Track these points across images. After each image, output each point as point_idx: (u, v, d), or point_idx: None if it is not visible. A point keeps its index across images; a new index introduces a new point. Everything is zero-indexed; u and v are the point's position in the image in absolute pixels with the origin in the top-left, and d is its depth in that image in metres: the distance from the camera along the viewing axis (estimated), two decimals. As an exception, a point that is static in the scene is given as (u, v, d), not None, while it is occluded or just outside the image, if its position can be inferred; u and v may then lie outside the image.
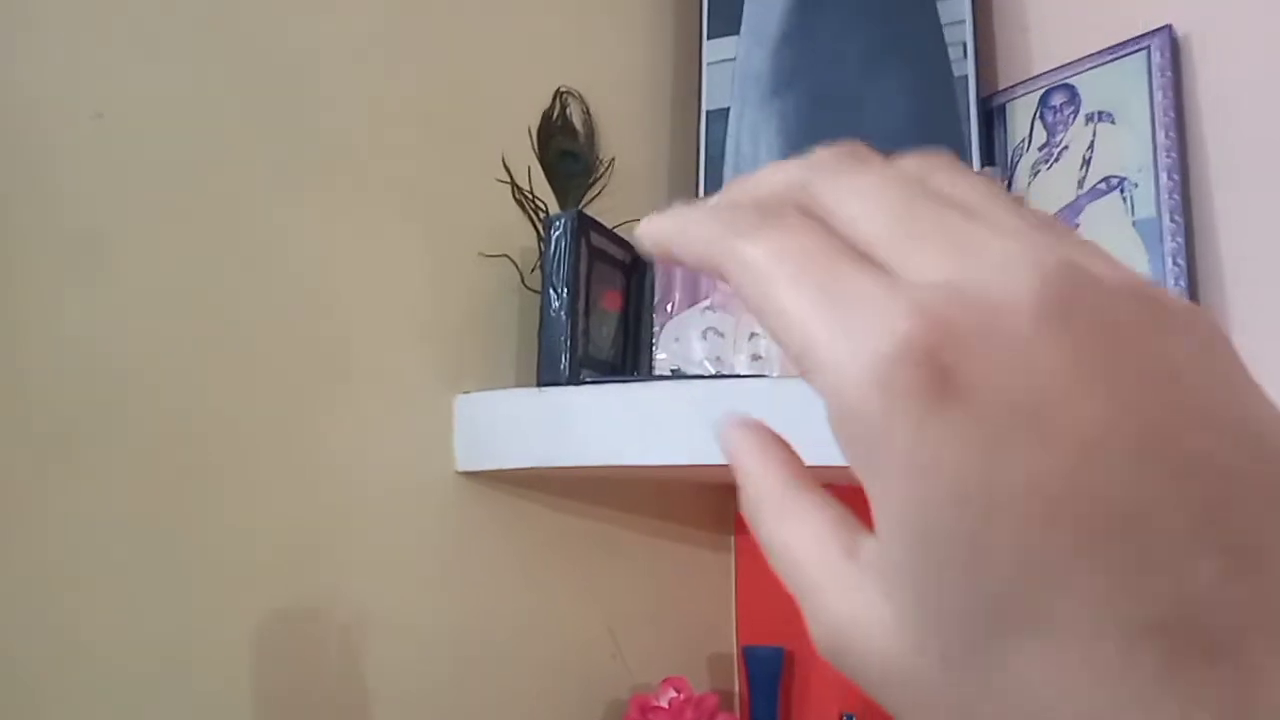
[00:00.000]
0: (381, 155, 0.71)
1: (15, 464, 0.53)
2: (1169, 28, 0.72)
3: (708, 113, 0.87)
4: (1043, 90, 0.79)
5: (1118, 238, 0.70)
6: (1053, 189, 0.76)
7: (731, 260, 0.18)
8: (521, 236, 0.78)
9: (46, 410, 0.54)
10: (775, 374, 0.72)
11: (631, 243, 0.80)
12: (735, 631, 0.89)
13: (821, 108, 0.84)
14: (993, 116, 0.82)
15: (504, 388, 0.75)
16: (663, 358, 0.75)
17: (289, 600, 0.63)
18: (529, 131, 0.81)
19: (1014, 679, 0.15)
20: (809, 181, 0.19)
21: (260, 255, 0.64)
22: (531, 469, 0.70)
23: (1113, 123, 0.74)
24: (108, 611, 0.55)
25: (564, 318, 0.72)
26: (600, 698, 0.79)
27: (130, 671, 0.55)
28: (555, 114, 0.82)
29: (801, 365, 0.17)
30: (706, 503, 0.91)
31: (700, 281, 0.76)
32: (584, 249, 0.73)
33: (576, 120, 0.84)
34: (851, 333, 0.16)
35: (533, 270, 0.77)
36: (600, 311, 0.76)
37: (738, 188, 0.21)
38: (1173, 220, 0.69)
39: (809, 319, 0.16)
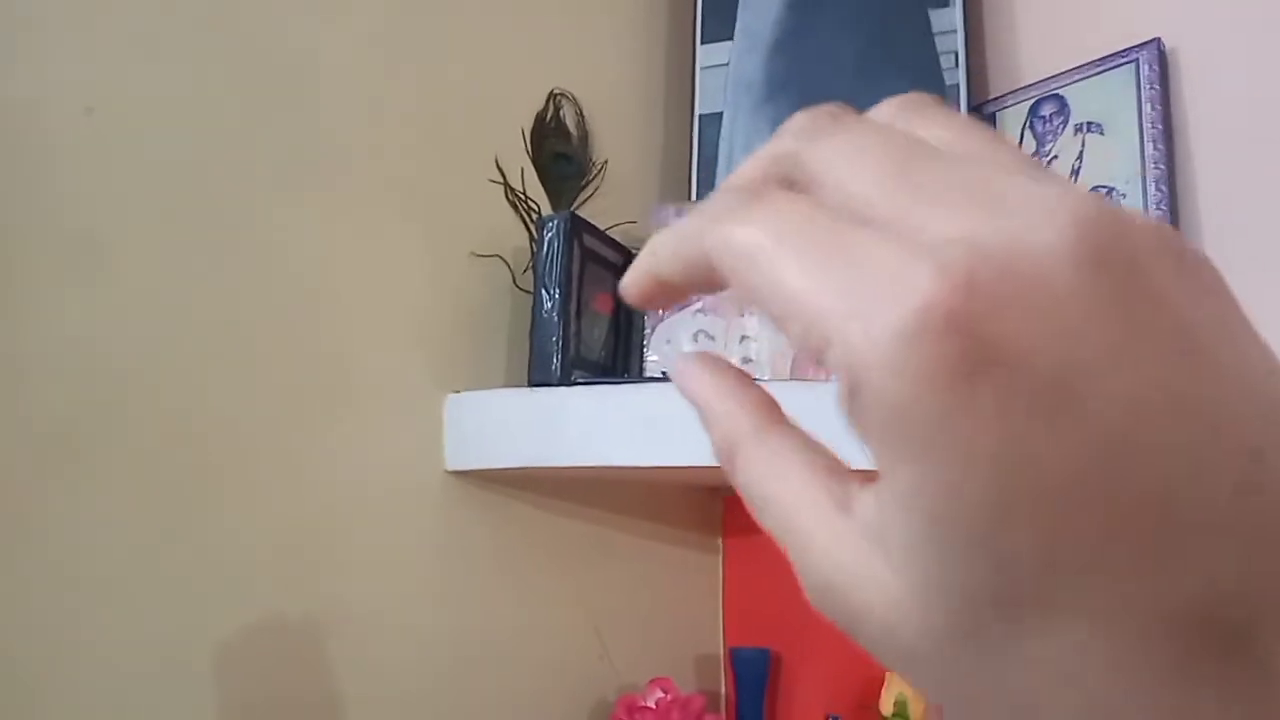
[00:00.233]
0: (376, 155, 0.72)
1: (15, 464, 0.53)
2: (1158, 40, 0.73)
3: (701, 117, 0.88)
4: (1032, 100, 0.80)
5: (1105, 247, 0.71)
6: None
7: (721, 247, 0.16)
8: (514, 237, 0.79)
9: (45, 410, 0.54)
10: (766, 376, 0.72)
11: (624, 244, 0.80)
12: (722, 633, 0.90)
13: (814, 113, 0.84)
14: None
15: (494, 388, 0.75)
16: (654, 360, 0.75)
17: (279, 597, 0.63)
18: (522, 133, 0.81)
19: (1022, 660, 0.14)
20: (787, 153, 0.17)
21: (253, 254, 0.64)
22: (521, 469, 0.70)
23: (1101, 133, 0.74)
24: (106, 611, 0.55)
25: (556, 319, 0.72)
26: (587, 698, 0.79)
27: (127, 670, 0.55)
28: (549, 116, 0.83)
29: (810, 344, 0.15)
30: (695, 504, 0.91)
31: (692, 284, 0.76)
32: (576, 250, 0.73)
33: (570, 122, 0.84)
34: (867, 302, 0.14)
35: (525, 271, 0.78)
36: (592, 313, 0.76)
37: (711, 194, 0.20)
38: (1159, 230, 0.69)
39: (816, 292, 0.15)
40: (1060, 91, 0.78)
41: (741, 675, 0.82)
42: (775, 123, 0.86)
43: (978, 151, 0.16)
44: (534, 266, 0.75)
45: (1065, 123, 0.77)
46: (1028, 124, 0.80)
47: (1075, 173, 0.75)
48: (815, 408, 0.67)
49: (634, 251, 0.81)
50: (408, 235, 0.73)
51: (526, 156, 0.81)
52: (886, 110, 0.18)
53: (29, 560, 0.53)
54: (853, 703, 0.82)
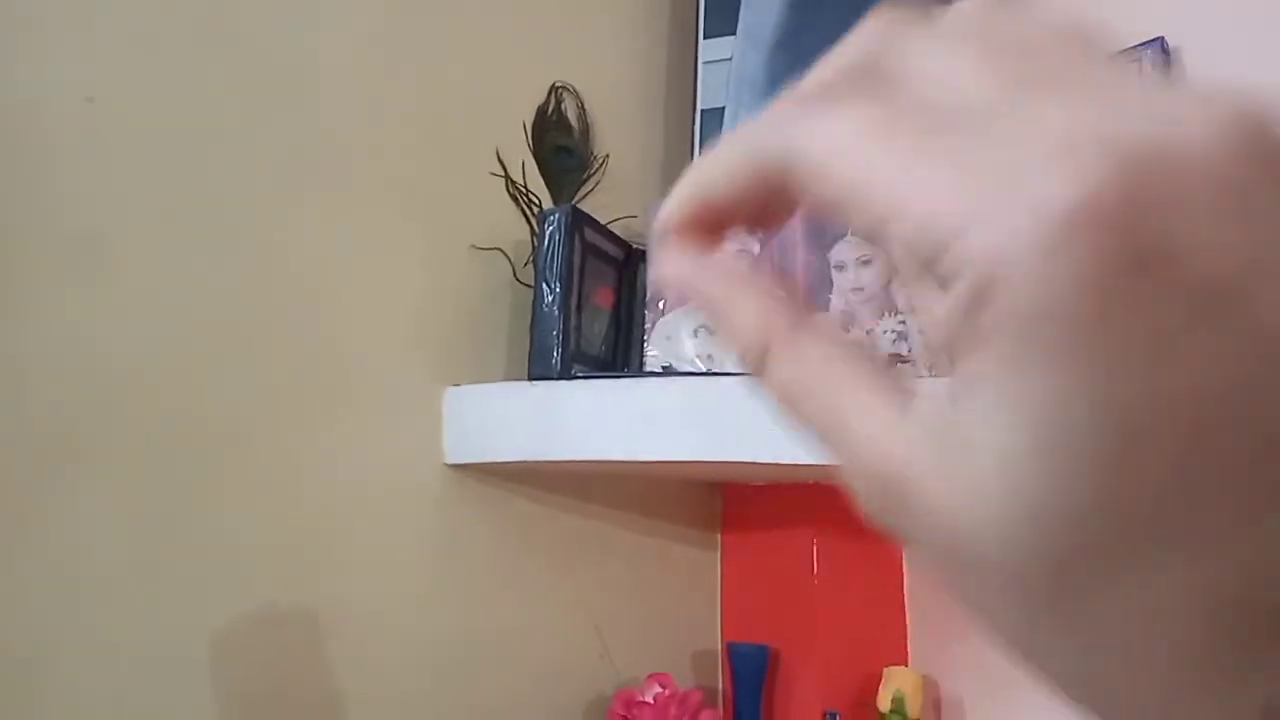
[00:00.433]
0: (376, 149, 0.71)
1: (13, 464, 0.53)
2: (1161, 39, 0.73)
3: (703, 111, 0.88)
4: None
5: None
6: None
7: (800, 148, 0.14)
8: (515, 230, 0.79)
9: (44, 409, 0.54)
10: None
11: (625, 238, 0.80)
12: (720, 628, 0.90)
13: (816, 109, 0.84)
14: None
15: (494, 382, 0.75)
16: (654, 354, 0.75)
17: (278, 591, 0.63)
18: (524, 126, 0.81)
19: (1107, 594, 0.13)
20: (866, 54, 0.15)
21: (252, 248, 0.64)
22: (521, 463, 0.70)
23: (1104, 131, 0.74)
24: (105, 609, 0.55)
25: (556, 313, 0.72)
26: (585, 693, 0.79)
27: (126, 669, 0.55)
28: (550, 109, 0.83)
29: (920, 249, 0.13)
30: (693, 500, 0.91)
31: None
32: (578, 244, 0.73)
33: (571, 116, 0.84)
34: (1002, 199, 0.13)
35: (525, 264, 0.78)
36: (593, 307, 0.76)
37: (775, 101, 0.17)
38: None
39: (928, 192, 0.13)
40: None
41: (739, 671, 0.82)
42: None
43: (1080, 50, 0.15)
44: (535, 260, 0.74)
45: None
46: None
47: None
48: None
49: (635, 246, 0.81)
50: (408, 228, 0.73)
51: (527, 150, 0.81)
52: (971, 6, 0.16)
53: (28, 559, 0.53)
54: (850, 699, 0.83)
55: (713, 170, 0.17)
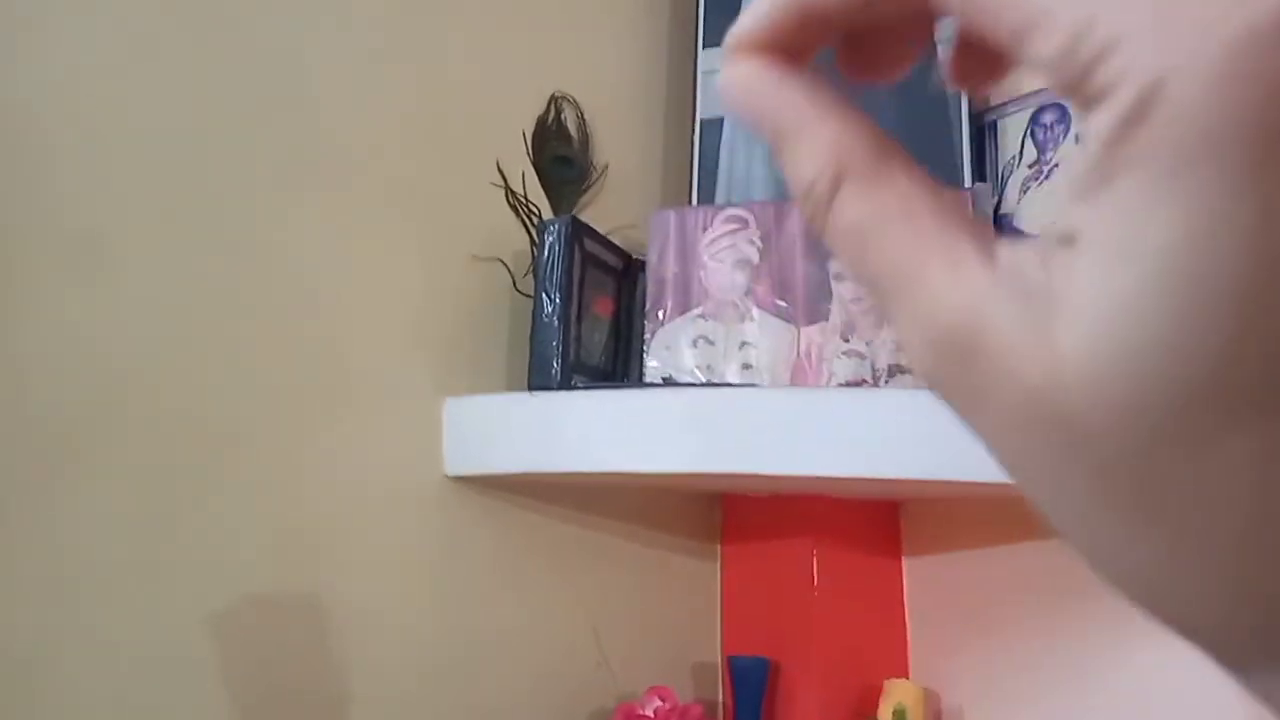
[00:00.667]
0: (377, 158, 0.71)
1: (12, 465, 0.53)
2: (1160, 49, 0.73)
3: (702, 121, 0.88)
4: (1034, 108, 0.79)
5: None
6: (1042, 206, 0.77)
7: None
8: (515, 241, 0.79)
9: (42, 412, 0.54)
10: (765, 383, 0.72)
11: (625, 248, 0.80)
12: (720, 641, 0.89)
13: (815, 120, 0.84)
14: (984, 133, 0.83)
15: (494, 392, 0.75)
16: (654, 365, 0.75)
17: (278, 601, 0.62)
18: (524, 136, 0.81)
19: (1208, 458, 0.12)
20: None
21: (253, 258, 0.64)
22: (520, 474, 0.70)
23: (1103, 141, 0.74)
24: (103, 611, 0.55)
25: (556, 323, 0.72)
26: (585, 705, 0.79)
27: (124, 672, 0.55)
28: (550, 119, 0.83)
29: (1075, 59, 0.12)
30: (693, 511, 0.91)
31: (691, 289, 0.76)
32: (577, 254, 0.73)
33: (571, 126, 0.84)
34: (1171, 7, 0.12)
35: (525, 275, 0.77)
36: (592, 317, 0.76)
37: None
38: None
39: None
40: (1062, 100, 0.78)
41: (739, 684, 0.82)
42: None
43: None
44: (534, 270, 0.74)
45: (1067, 130, 0.77)
46: (1028, 132, 0.80)
47: (1077, 181, 0.75)
48: (814, 415, 0.67)
49: (635, 256, 0.81)
50: (408, 238, 0.73)
51: (527, 160, 0.81)
52: None
53: (27, 561, 0.53)
54: (851, 712, 0.82)
55: None
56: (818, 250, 0.74)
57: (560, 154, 0.83)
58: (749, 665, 0.82)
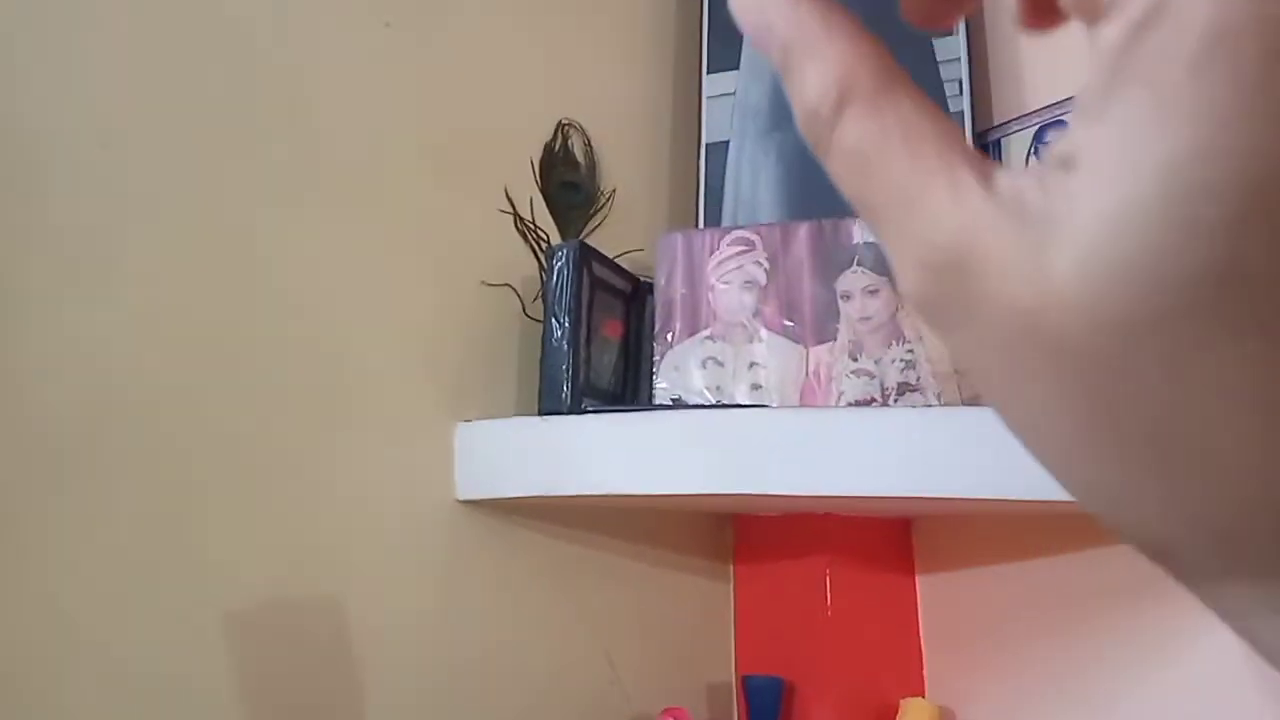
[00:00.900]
0: (387, 185, 0.73)
1: (12, 481, 0.53)
2: None
3: (707, 145, 0.89)
4: (1037, 127, 0.80)
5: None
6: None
7: None
8: (523, 266, 0.79)
9: (46, 428, 0.54)
10: (775, 403, 0.72)
11: (632, 271, 0.81)
12: (734, 661, 0.89)
13: (820, 141, 0.85)
14: (988, 151, 0.83)
15: (505, 416, 0.75)
16: (663, 386, 0.75)
17: (287, 624, 0.63)
18: (531, 163, 0.82)
19: (1193, 371, 0.12)
20: None
21: (264, 283, 0.65)
22: (532, 497, 0.70)
23: (1106, 158, 0.75)
24: (104, 633, 0.55)
25: (565, 346, 0.72)
26: (598, 728, 0.79)
27: (125, 692, 0.55)
28: (557, 146, 0.84)
29: None
30: (705, 531, 0.91)
31: (700, 311, 0.77)
32: (586, 278, 0.74)
33: (578, 152, 0.85)
34: None
35: (534, 299, 0.78)
36: (601, 340, 0.77)
37: None
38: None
39: None
40: (1065, 118, 0.79)
41: (754, 704, 0.82)
42: (781, 150, 0.87)
43: None
44: (544, 295, 0.75)
45: (1070, 148, 0.77)
46: (1032, 150, 0.80)
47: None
48: (824, 434, 0.67)
49: (642, 279, 0.81)
50: (419, 265, 0.74)
51: (536, 186, 0.82)
52: None
53: (26, 581, 0.53)
54: (867, 731, 0.82)
55: None
56: (824, 271, 0.74)
57: (568, 180, 0.84)
58: (763, 685, 0.82)
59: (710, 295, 0.76)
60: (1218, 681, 0.69)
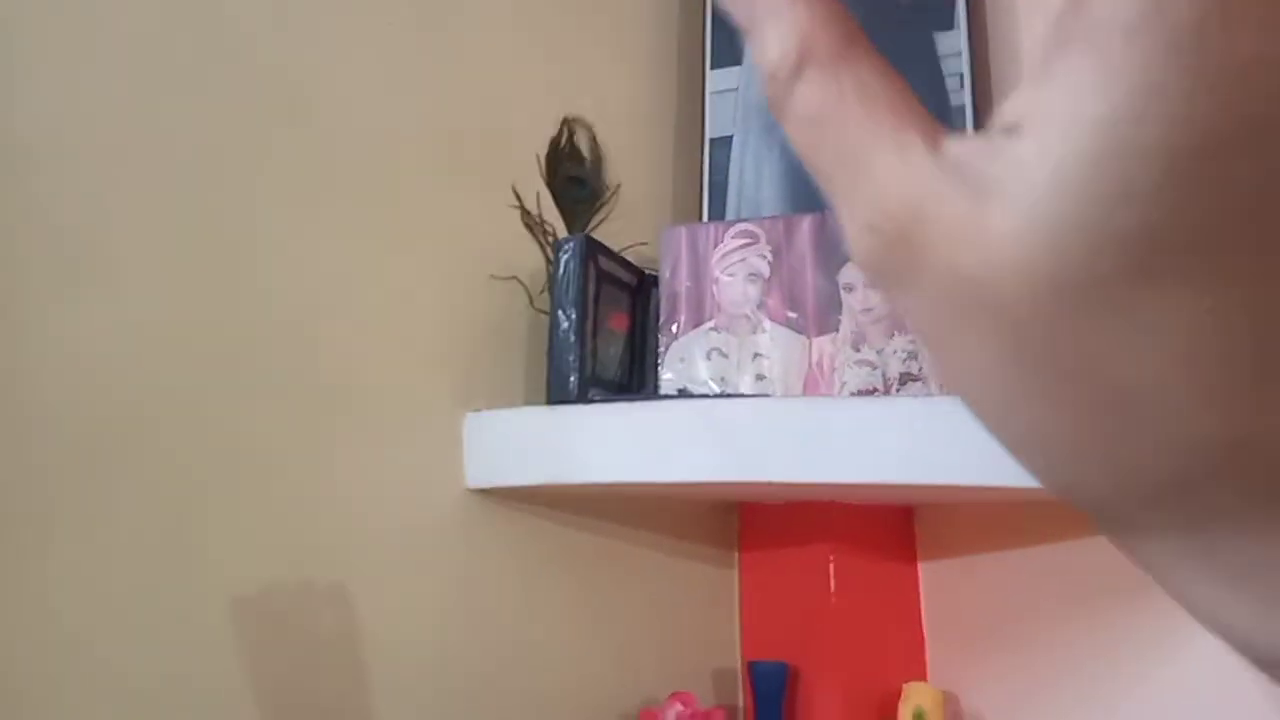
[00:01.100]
0: (394, 181, 0.74)
1: (15, 485, 0.53)
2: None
3: (711, 140, 0.90)
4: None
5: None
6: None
7: None
8: (531, 260, 0.81)
9: (52, 435, 0.55)
10: (779, 393, 0.74)
11: (637, 264, 0.82)
12: (739, 647, 0.91)
13: (822, 135, 0.86)
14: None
15: (513, 406, 0.77)
16: (668, 377, 0.77)
17: (297, 615, 0.64)
18: (538, 159, 0.83)
19: (1122, 324, 0.13)
20: None
21: (273, 277, 0.66)
22: (540, 486, 0.72)
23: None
24: (118, 629, 0.56)
25: (572, 338, 0.74)
26: (606, 712, 0.80)
27: (134, 691, 0.56)
28: (563, 141, 0.85)
29: None
30: (711, 519, 0.92)
31: (704, 303, 0.78)
32: (592, 271, 0.75)
33: (584, 147, 0.86)
34: None
35: (541, 292, 0.80)
36: (607, 332, 0.78)
37: None
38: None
39: None
40: None
41: (759, 689, 0.83)
42: (784, 145, 0.88)
43: None
44: (550, 288, 0.76)
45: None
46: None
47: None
48: (827, 423, 0.69)
49: (647, 272, 0.83)
50: (428, 259, 0.75)
51: (542, 181, 0.83)
52: None
53: (33, 588, 0.53)
54: (870, 715, 0.83)
55: None
56: (827, 264, 0.75)
57: (573, 175, 0.85)
58: (769, 670, 0.83)
59: (714, 287, 0.77)
60: (1221, 669, 0.70)
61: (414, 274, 0.74)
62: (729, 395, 0.74)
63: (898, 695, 0.81)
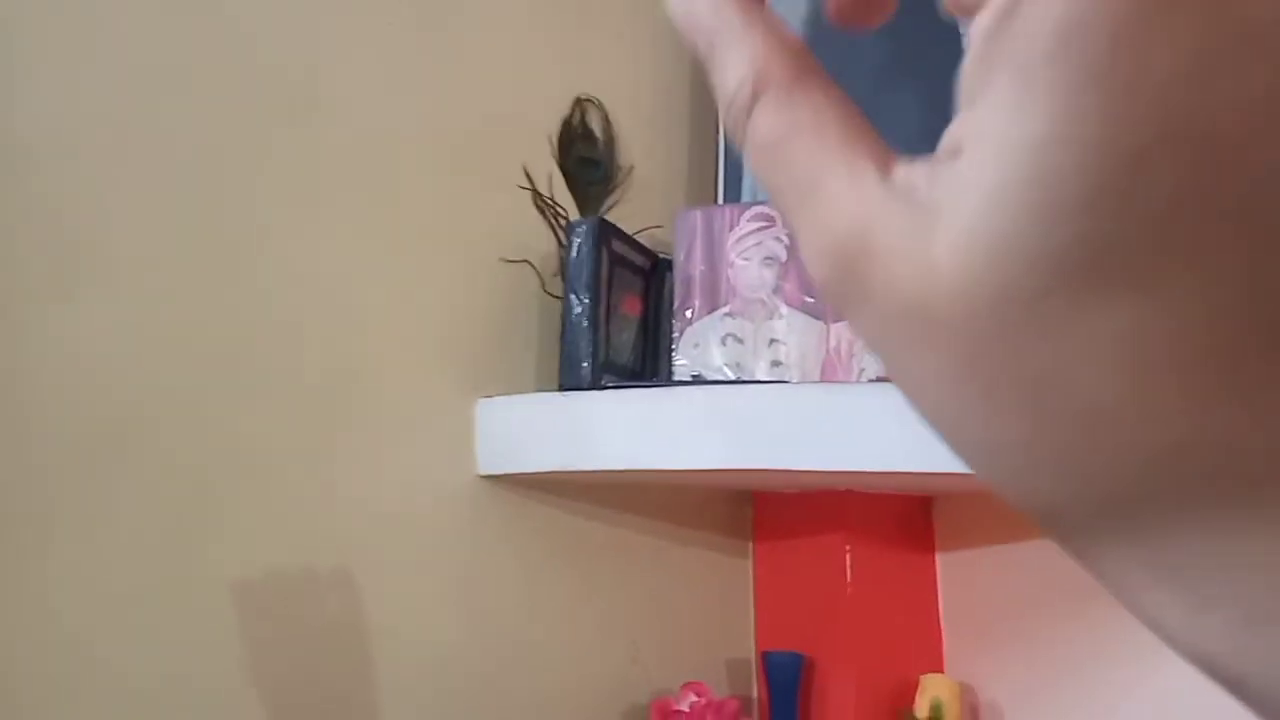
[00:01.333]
0: (405, 165, 0.73)
1: (16, 486, 0.53)
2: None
3: (727, 121, 0.88)
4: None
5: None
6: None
7: None
8: (543, 243, 0.79)
9: (55, 432, 0.54)
10: (795, 379, 0.72)
11: (651, 248, 0.81)
12: (754, 637, 0.90)
13: (840, 115, 0.84)
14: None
15: (525, 392, 0.76)
16: (682, 363, 0.75)
17: (308, 603, 0.64)
18: (549, 140, 0.82)
19: (1067, 337, 0.13)
20: None
21: (277, 272, 0.65)
22: (552, 473, 0.71)
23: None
24: (126, 619, 0.55)
25: (585, 323, 0.72)
26: (619, 702, 0.80)
27: (137, 690, 0.55)
28: (575, 122, 0.83)
29: None
30: (725, 508, 0.91)
31: (719, 287, 0.76)
32: (605, 255, 0.74)
33: (596, 128, 0.85)
34: None
35: (554, 276, 0.78)
36: (621, 316, 0.77)
37: None
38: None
39: None
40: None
41: (774, 679, 0.82)
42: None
43: None
44: (563, 271, 0.75)
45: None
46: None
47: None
48: (845, 410, 0.67)
49: (661, 255, 0.81)
50: (438, 242, 0.74)
51: (554, 163, 0.82)
52: None
53: (41, 584, 0.53)
54: (886, 706, 0.82)
55: None
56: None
57: (586, 156, 0.83)
58: (784, 660, 0.82)
59: (730, 271, 0.76)
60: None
61: (423, 260, 0.73)
62: (745, 382, 0.73)
63: (914, 687, 0.80)
